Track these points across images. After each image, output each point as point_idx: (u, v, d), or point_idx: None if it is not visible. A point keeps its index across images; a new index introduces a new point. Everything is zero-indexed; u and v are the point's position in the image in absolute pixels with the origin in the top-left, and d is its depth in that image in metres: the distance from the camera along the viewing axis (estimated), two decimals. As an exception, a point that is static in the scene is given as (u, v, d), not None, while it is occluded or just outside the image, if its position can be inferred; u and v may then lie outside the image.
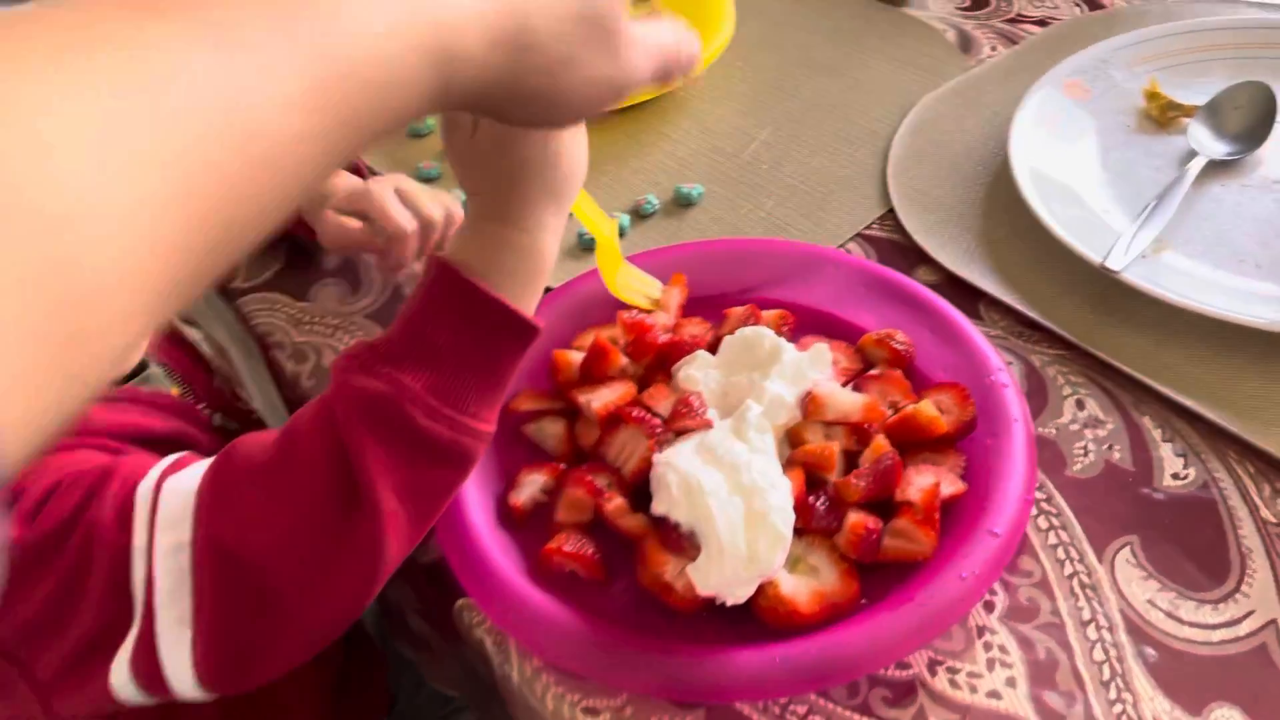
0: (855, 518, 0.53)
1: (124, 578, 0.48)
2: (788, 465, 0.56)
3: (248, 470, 0.49)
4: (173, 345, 0.72)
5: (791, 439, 0.58)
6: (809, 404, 0.58)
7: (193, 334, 0.83)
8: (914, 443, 0.58)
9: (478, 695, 0.72)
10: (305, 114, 0.28)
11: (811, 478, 0.56)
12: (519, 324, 0.51)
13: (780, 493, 0.52)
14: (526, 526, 0.59)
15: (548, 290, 0.74)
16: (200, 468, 0.51)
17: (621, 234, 0.78)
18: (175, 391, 0.67)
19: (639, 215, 0.80)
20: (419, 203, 0.70)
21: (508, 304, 0.50)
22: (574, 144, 0.54)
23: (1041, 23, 0.92)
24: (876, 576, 0.54)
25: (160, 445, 0.61)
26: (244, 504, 0.49)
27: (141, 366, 0.65)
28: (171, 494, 0.50)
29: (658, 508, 0.54)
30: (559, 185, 0.53)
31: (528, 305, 0.53)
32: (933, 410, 0.57)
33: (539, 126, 0.43)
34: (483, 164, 0.52)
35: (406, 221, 0.69)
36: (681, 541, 0.52)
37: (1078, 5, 0.94)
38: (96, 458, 0.54)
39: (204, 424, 0.67)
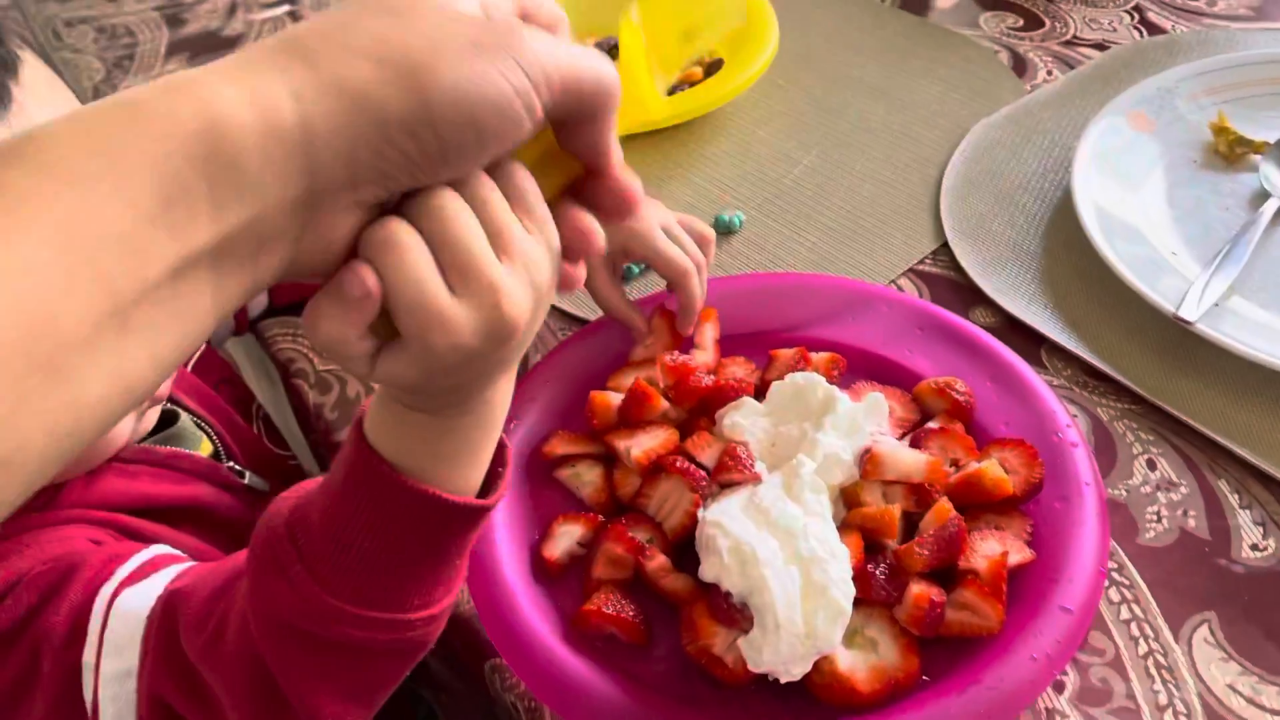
0: (918, 589, 0.50)
1: (75, 692, 0.46)
2: (843, 528, 0.52)
3: (189, 629, 0.46)
4: (212, 388, 0.68)
5: (847, 499, 0.55)
6: (868, 462, 0.54)
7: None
8: (977, 505, 0.54)
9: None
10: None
11: (869, 543, 0.52)
12: (462, 512, 0.43)
13: (840, 563, 0.49)
14: (560, 580, 0.56)
15: (583, 324, 0.71)
16: (159, 582, 0.48)
17: (660, 262, 0.75)
18: (205, 449, 0.64)
19: (678, 242, 0.76)
20: (683, 240, 0.64)
21: (446, 497, 0.42)
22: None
23: (1099, 46, 0.88)
24: (936, 650, 0.50)
25: (167, 515, 0.58)
26: (183, 668, 0.46)
27: (170, 418, 0.62)
28: (122, 617, 0.47)
29: (706, 574, 0.50)
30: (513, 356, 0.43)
31: (474, 473, 0.44)
32: (999, 471, 0.54)
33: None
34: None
35: (683, 261, 0.62)
36: (733, 613, 0.49)
37: (1136, 29, 0.90)
38: (76, 543, 0.51)
39: (230, 485, 0.63)
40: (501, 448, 0.46)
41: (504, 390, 0.43)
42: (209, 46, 1.04)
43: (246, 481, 0.64)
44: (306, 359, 0.72)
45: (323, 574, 0.42)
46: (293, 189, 0.30)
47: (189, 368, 0.68)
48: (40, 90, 0.47)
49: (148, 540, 0.55)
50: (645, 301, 0.66)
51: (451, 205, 0.33)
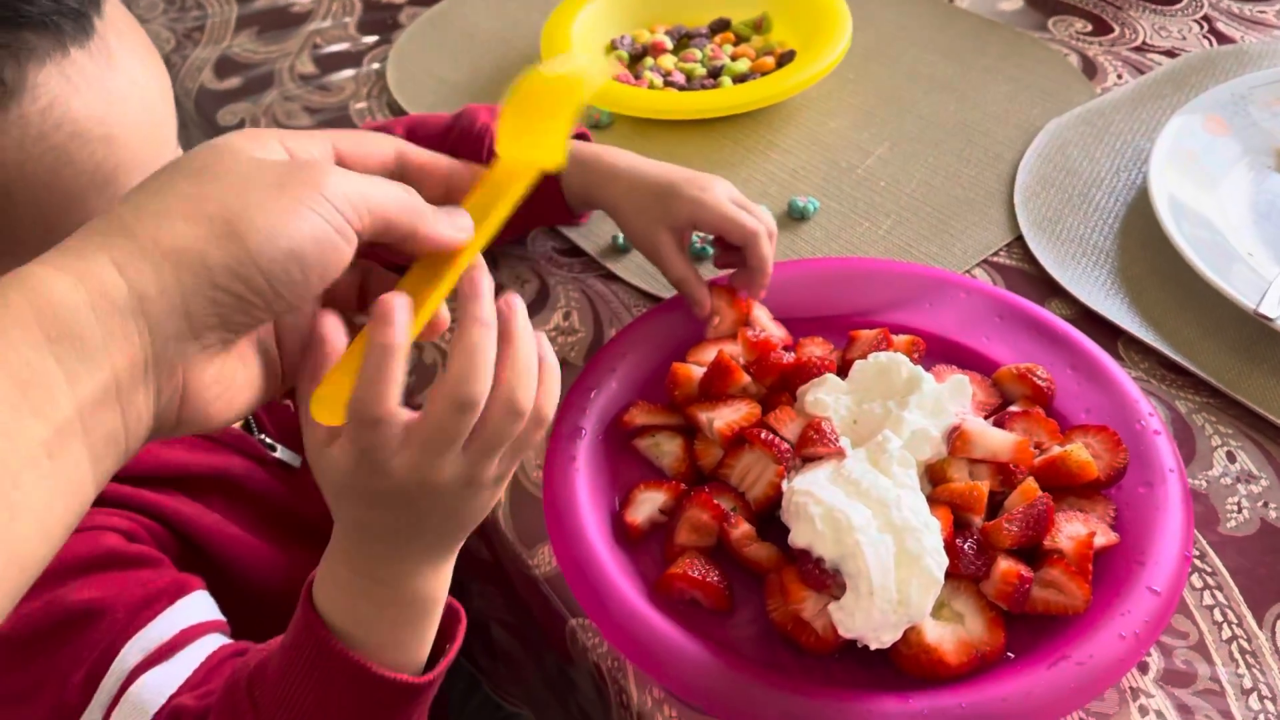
0: (1006, 565, 0.50)
1: None
2: (931, 503, 0.53)
3: None
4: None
5: (933, 475, 0.55)
6: (957, 439, 0.55)
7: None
8: (1061, 487, 0.54)
9: (554, 710, 0.69)
10: None
11: (956, 518, 0.53)
12: (392, 686, 0.44)
13: (933, 534, 0.49)
14: (640, 546, 0.56)
15: (655, 300, 0.72)
16: (179, 672, 0.48)
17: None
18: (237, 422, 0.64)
19: (751, 226, 0.77)
20: (750, 206, 0.65)
21: (376, 670, 0.43)
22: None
23: (1169, 53, 0.89)
24: (1018, 626, 0.51)
25: (197, 485, 0.58)
26: None
27: None
28: (131, 704, 0.47)
29: (798, 540, 0.51)
30: (457, 529, 0.44)
31: (412, 650, 0.46)
32: (1085, 454, 0.54)
33: None
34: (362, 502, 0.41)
35: (753, 222, 0.63)
36: (825, 579, 0.49)
37: (1206, 38, 0.90)
38: (106, 538, 0.51)
39: (262, 458, 0.63)
40: (452, 628, 0.48)
41: (429, 584, 0.45)
42: (278, 22, 1.05)
43: (278, 455, 0.64)
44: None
45: None
46: (138, 348, 0.32)
47: None
48: (123, 29, 0.47)
49: (176, 524, 0.55)
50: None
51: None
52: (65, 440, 0.30)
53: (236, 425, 0.63)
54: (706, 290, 0.65)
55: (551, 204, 0.71)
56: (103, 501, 0.53)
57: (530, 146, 0.42)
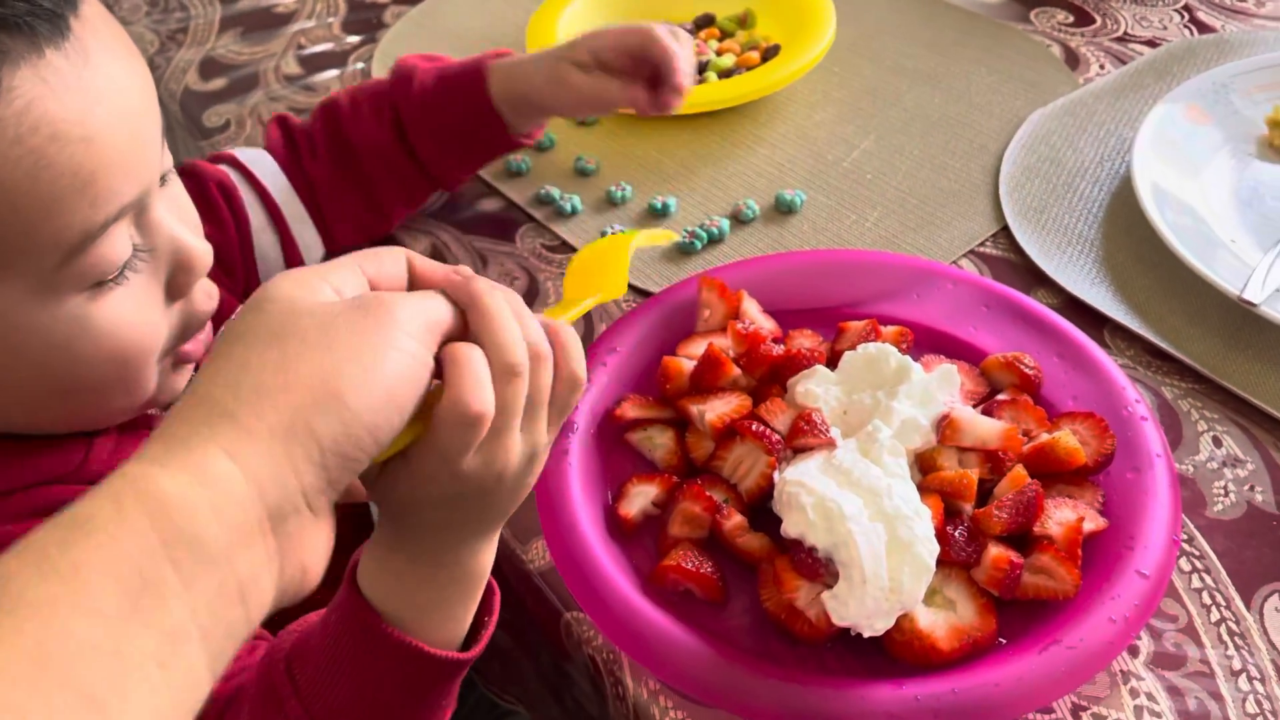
0: (996, 551, 0.51)
1: None
2: (922, 491, 0.53)
3: None
4: None
5: (923, 464, 0.55)
6: (946, 427, 0.55)
7: None
8: (1050, 474, 0.55)
9: (548, 705, 0.69)
10: None
11: (947, 506, 0.53)
12: (435, 663, 0.45)
13: (924, 521, 0.50)
14: (633, 539, 0.57)
15: (646, 295, 0.72)
16: None
17: (721, 239, 0.76)
18: None
19: (739, 221, 0.77)
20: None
21: (420, 647, 0.44)
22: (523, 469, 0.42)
23: (1150, 43, 0.89)
24: (1010, 612, 0.51)
25: None
26: None
27: None
28: None
29: (790, 530, 0.51)
30: (515, 503, 0.44)
31: (453, 626, 0.46)
32: (1073, 441, 0.54)
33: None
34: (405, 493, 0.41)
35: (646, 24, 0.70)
36: (818, 567, 0.50)
37: (1187, 28, 0.91)
38: None
39: None
40: (489, 601, 0.48)
41: (482, 558, 0.46)
42: (262, 23, 1.05)
43: None
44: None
45: (315, 711, 0.44)
46: (257, 537, 0.32)
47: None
48: (100, 29, 0.46)
49: None
50: (686, 283, 0.67)
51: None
52: (179, 647, 0.30)
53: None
54: (622, 87, 0.71)
55: (491, 128, 0.74)
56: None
57: (593, 288, 0.50)
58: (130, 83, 0.47)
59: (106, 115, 0.45)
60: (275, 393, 0.33)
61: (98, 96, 0.45)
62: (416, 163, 0.75)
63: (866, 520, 0.49)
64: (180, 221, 0.51)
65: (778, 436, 0.56)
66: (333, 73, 0.97)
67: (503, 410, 0.39)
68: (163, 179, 0.53)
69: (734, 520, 0.55)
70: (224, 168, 0.72)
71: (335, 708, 0.44)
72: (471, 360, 0.38)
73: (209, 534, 0.30)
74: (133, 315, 0.48)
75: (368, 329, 0.35)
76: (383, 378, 0.34)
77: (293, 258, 0.74)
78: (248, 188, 0.72)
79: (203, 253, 0.51)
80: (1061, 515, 0.53)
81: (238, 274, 0.72)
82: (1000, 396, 0.59)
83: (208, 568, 0.30)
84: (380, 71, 0.95)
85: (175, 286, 0.51)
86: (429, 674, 0.45)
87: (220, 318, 0.59)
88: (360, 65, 0.98)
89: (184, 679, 0.30)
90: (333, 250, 0.76)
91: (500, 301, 0.39)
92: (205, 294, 0.53)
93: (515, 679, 0.74)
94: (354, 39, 1.01)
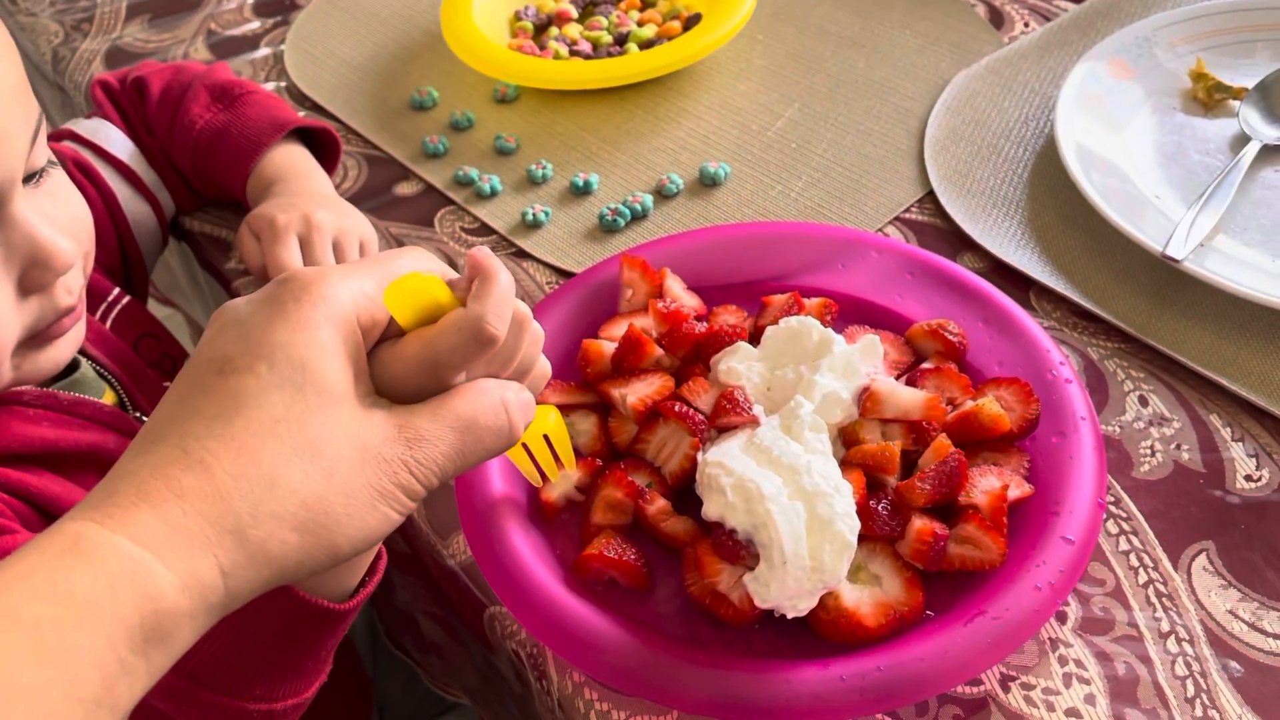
0: (920, 524, 0.50)
1: None
2: (844, 466, 0.52)
3: None
4: (123, 337, 0.66)
5: (846, 438, 0.54)
6: (867, 400, 0.54)
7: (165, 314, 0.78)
8: (975, 442, 0.54)
9: (489, 698, 0.68)
10: None
11: (870, 480, 0.52)
12: (316, 613, 0.43)
13: (844, 498, 0.48)
14: (557, 524, 0.55)
15: (569, 276, 0.70)
16: None
17: (645, 215, 0.74)
18: (109, 399, 0.62)
19: (662, 195, 0.75)
20: (321, 264, 0.66)
21: (302, 596, 0.43)
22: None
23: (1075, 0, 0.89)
24: (937, 585, 0.50)
25: (69, 462, 0.56)
26: None
27: (73, 366, 0.60)
28: None
29: (710, 512, 0.50)
30: None
31: (349, 578, 0.45)
32: (997, 408, 0.54)
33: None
34: None
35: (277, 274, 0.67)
36: (739, 550, 0.48)
37: (1110, -19, 0.90)
38: None
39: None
40: (376, 560, 0.48)
41: None
42: (171, 8, 1.01)
43: None
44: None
45: (186, 659, 0.42)
46: (206, 628, 0.34)
47: (108, 323, 0.66)
48: None
49: (43, 503, 0.53)
50: (609, 262, 0.65)
51: None
52: (126, 713, 0.32)
53: (109, 402, 0.62)
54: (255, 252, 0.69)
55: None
56: None
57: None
58: None
59: None
60: (288, 529, 0.33)
61: None
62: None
63: (785, 499, 0.48)
64: (46, 219, 0.50)
65: (701, 417, 0.55)
66: (245, 57, 0.94)
67: (506, 354, 0.40)
68: (37, 176, 0.51)
69: (657, 505, 0.53)
70: (72, 145, 0.71)
71: (198, 651, 0.43)
72: (503, 282, 0.38)
73: (181, 635, 0.32)
74: None
75: (379, 476, 0.36)
76: (370, 531, 0.35)
77: (164, 223, 0.76)
78: (102, 162, 0.72)
79: (62, 252, 0.50)
80: (986, 484, 0.52)
81: (111, 247, 0.71)
82: (925, 365, 0.58)
83: (169, 657, 0.32)
84: (294, 55, 0.92)
85: (30, 281, 0.50)
86: (306, 623, 0.44)
87: (91, 291, 0.58)
88: (274, 49, 0.95)
89: None
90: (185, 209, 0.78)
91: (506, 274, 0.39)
92: (65, 289, 0.52)
93: (454, 672, 0.73)
94: (266, 21, 0.98)
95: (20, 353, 0.52)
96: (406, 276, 0.38)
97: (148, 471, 0.33)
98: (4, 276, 0.49)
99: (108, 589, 0.30)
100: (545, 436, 0.49)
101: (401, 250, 0.40)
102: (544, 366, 0.44)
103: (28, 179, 0.50)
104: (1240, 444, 0.56)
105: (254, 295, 0.37)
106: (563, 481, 0.55)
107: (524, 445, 0.49)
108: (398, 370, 0.37)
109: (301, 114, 0.79)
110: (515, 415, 0.39)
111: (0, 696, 0.28)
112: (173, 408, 0.35)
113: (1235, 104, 0.74)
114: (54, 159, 0.54)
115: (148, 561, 0.31)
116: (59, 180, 0.54)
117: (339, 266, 0.38)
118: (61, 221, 0.52)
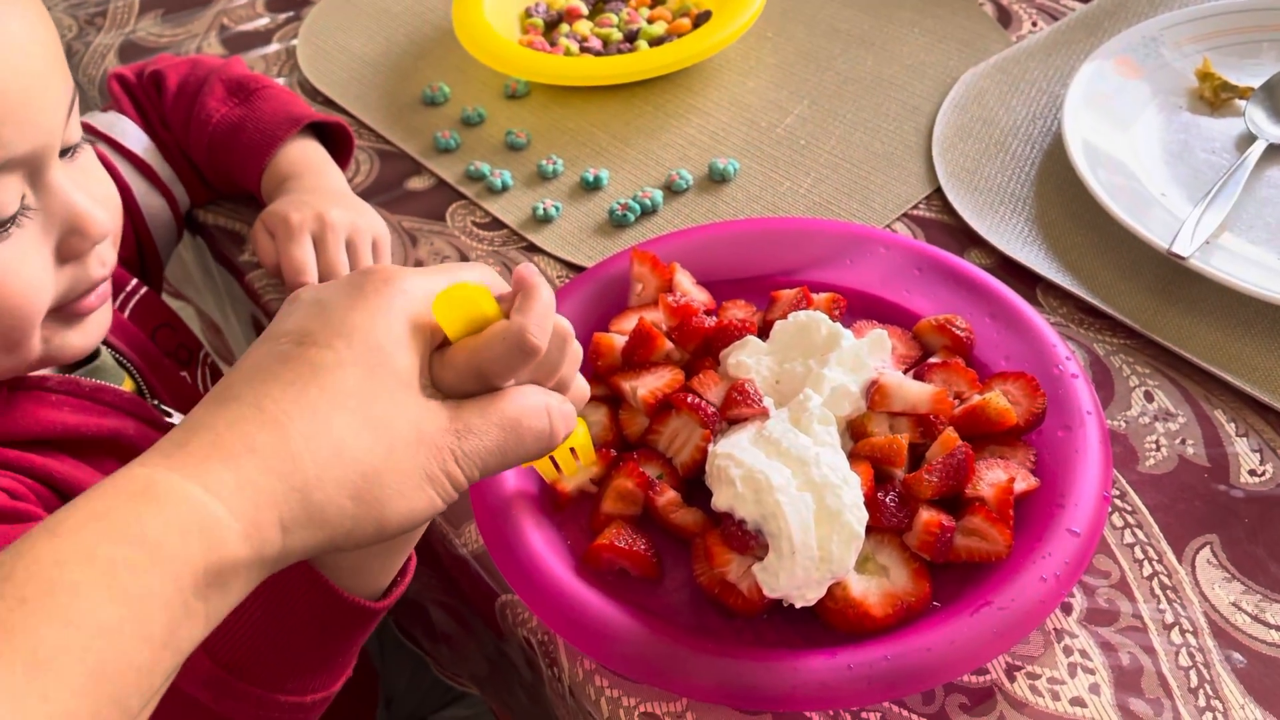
0: (927, 515, 0.51)
1: None
2: (852, 459, 0.53)
3: None
4: (141, 326, 0.67)
5: (854, 431, 0.55)
6: (875, 394, 0.55)
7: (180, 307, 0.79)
8: (981, 435, 0.55)
9: (498, 687, 0.69)
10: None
11: (878, 472, 0.53)
12: (350, 609, 0.44)
13: (852, 489, 0.49)
14: (568, 515, 0.56)
15: (579, 270, 0.71)
16: None
17: (655, 210, 0.75)
18: (128, 386, 0.63)
19: (672, 191, 0.76)
20: (335, 262, 0.67)
21: (338, 590, 0.44)
22: None
23: (1082, -2, 0.89)
24: (944, 576, 0.51)
25: (89, 448, 0.58)
26: None
27: (93, 354, 0.61)
28: None
29: (720, 503, 0.51)
30: None
31: (379, 578, 0.46)
32: (1004, 402, 0.54)
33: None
34: None
35: (291, 272, 0.67)
36: (748, 540, 0.49)
37: (1118, -20, 0.91)
38: None
39: (156, 422, 0.62)
40: (406, 563, 0.48)
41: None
42: (184, 3, 1.02)
43: (174, 421, 0.63)
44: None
45: (216, 647, 0.44)
46: (259, 581, 0.35)
47: (126, 312, 0.68)
48: None
49: (65, 488, 0.54)
50: (619, 257, 0.66)
51: None
52: (188, 655, 0.33)
53: (128, 389, 0.63)
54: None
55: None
56: None
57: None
58: (32, 45, 0.48)
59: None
60: (346, 496, 0.35)
61: None
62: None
63: (794, 490, 0.49)
64: (82, 190, 0.52)
65: (712, 408, 0.56)
66: (258, 52, 0.95)
67: (549, 365, 0.41)
68: (72, 151, 0.53)
69: (667, 495, 0.54)
70: (88, 139, 0.73)
71: (237, 643, 0.44)
72: (544, 297, 0.39)
73: (239, 582, 0.34)
74: (17, 269, 0.49)
75: (429, 460, 0.37)
76: (417, 512, 0.37)
77: (179, 216, 0.77)
78: (118, 156, 0.73)
79: (100, 221, 0.52)
80: (993, 476, 0.52)
81: (128, 240, 0.72)
82: (932, 359, 0.59)
83: (229, 601, 0.34)
84: (306, 50, 0.93)
85: (67, 249, 0.52)
86: (341, 619, 0.45)
87: (111, 281, 0.59)
88: (286, 44, 0.95)
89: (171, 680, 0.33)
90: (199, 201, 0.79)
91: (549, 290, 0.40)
92: (99, 260, 0.54)
93: (464, 661, 0.73)
94: (278, 17, 0.99)
95: (50, 327, 0.53)
96: (455, 286, 0.39)
97: (224, 425, 0.34)
98: (43, 242, 0.51)
99: (179, 534, 0.32)
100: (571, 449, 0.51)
101: (468, 264, 0.42)
102: (582, 385, 0.45)
103: (63, 153, 0.52)
104: (1244, 439, 0.57)
105: (336, 281, 0.39)
106: (580, 474, 0.56)
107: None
108: (446, 377, 0.39)
109: (314, 109, 0.79)
110: (557, 422, 0.41)
111: (79, 632, 0.29)
112: (249, 372, 0.36)
113: (1241, 103, 0.75)
114: (86, 134, 0.55)
115: (217, 510, 0.32)
116: (91, 157, 0.56)
117: (419, 268, 0.40)
118: (96, 195, 0.53)
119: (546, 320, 0.39)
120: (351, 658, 0.49)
